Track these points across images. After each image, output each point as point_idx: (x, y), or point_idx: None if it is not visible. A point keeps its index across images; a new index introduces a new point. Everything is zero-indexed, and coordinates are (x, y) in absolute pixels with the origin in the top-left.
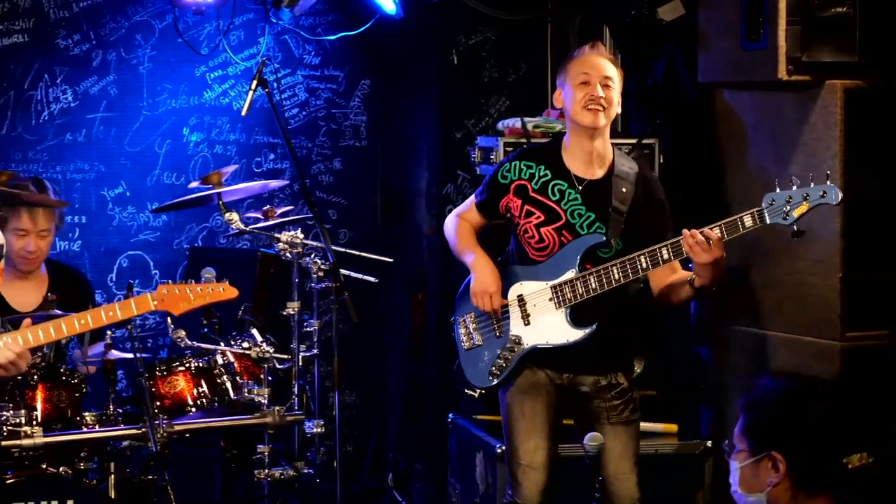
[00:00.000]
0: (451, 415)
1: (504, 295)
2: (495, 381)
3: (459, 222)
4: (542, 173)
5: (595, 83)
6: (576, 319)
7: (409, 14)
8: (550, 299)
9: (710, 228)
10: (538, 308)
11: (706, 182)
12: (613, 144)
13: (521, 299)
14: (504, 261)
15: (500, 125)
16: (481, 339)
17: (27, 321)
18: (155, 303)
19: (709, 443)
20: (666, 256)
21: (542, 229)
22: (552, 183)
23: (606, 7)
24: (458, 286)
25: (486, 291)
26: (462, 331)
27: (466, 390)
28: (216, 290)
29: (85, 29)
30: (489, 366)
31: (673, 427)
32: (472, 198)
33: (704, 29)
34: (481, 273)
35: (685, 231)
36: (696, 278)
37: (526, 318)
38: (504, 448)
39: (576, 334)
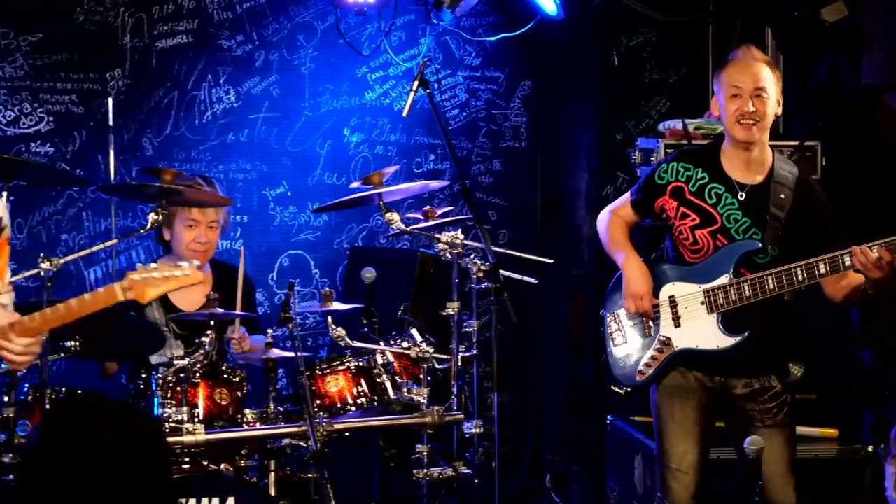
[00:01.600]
0: (609, 416)
1: (656, 294)
2: (643, 380)
3: (613, 218)
4: (699, 176)
5: (746, 97)
6: (727, 326)
7: (569, 15)
8: (702, 303)
9: (881, 247)
10: (689, 311)
11: (869, 185)
12: (774, 147)
13: (672, 300)
14: (658, 258)
15: (660, 127)
16: (631, 337)
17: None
18: (125, 292)
19: (870, 448)
20: (823, 271)
21: (697, 232)
22: (709, 186)
23: (769, 8)
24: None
25: (637, 294)
26: (612, 327)
27: (612, 387)
28: (183, 275)
29: (248, 30)
30: (637, 364)
31: (833, 432)
32: (626, 195)
33: (869, 30)
34: (633, 275)
35: (856, 248)
36: (869, 289)
37: (676, 319)
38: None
39: (726, 341)
